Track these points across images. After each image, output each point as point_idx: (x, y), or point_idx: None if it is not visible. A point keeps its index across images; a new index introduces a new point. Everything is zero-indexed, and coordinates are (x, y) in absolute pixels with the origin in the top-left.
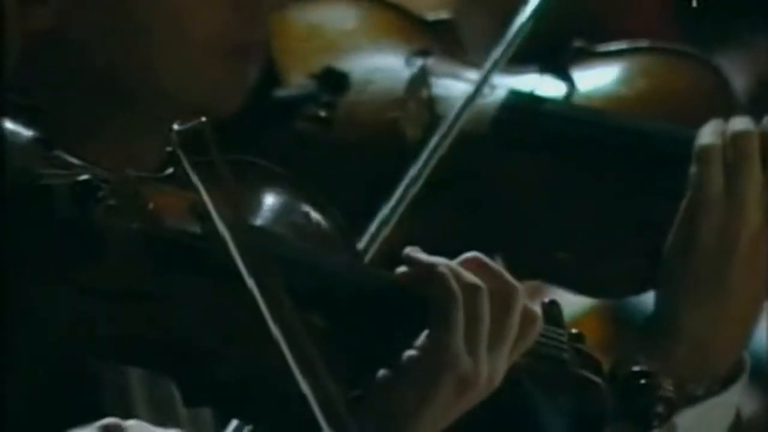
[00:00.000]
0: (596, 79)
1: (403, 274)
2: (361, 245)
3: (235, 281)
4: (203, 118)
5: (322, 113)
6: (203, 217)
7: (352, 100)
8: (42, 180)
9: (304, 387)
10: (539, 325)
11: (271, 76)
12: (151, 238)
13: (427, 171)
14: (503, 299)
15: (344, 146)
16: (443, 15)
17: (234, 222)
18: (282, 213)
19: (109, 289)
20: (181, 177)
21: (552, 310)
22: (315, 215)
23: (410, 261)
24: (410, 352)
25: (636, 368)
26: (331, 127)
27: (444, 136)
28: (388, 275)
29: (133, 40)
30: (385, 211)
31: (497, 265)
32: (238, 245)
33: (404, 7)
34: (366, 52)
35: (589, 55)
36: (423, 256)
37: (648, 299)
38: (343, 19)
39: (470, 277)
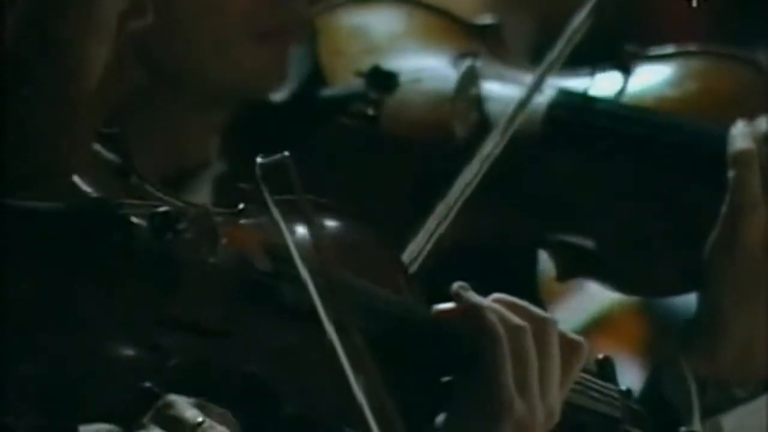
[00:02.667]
0: (645, 81)
1: (449, 310)
2: (415, 246)
3: (305, 320)
4: (286, 153)
5: (370, 111)
6: (275, 254)
7: (399, 99)
8: (122, 210)
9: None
10: (585, 351)
11: (318, 75)
12: (226, 274)
13: (482, 174)
14: (540, 334)
15: (392, 144)
16: (489, 19)
17: (312, 262)
18: (342, 242)
19: (181, 321)
20: (252, 211)
21: (605, 366)
22: (369, 238)
23: (459, 298)
24: (464, 401)
25: (683, 429)
26: (379, 126)
27: (498, 142)
28: (430, 312)
29: (173, 29)
30: (440, 211)
31: (522, 302)
32: (316, 285)
33: (450, 10)
34: (412, 53)
35: (640, 59)
36: (471, 296)
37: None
38: (389, 21)
39: (514, 318)
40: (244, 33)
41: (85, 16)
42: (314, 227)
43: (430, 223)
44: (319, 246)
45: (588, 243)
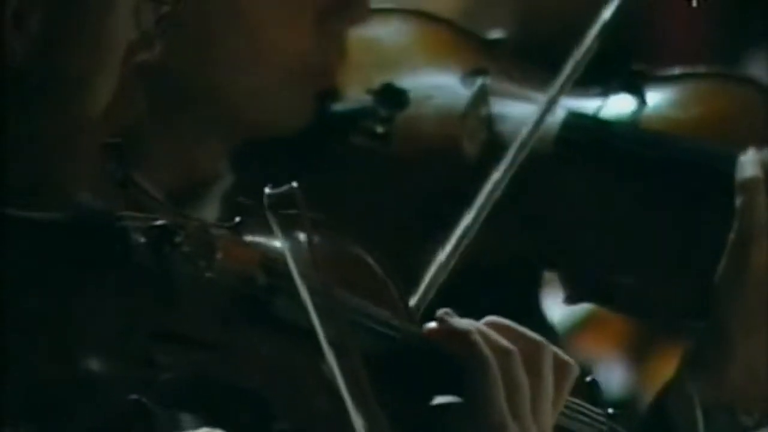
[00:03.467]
0: (653, 103)
1: (435, 330)
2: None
3: (300, 337)
4: (294, 184)
5: (380, 129)
6: (271, 269)
7: (410, 116)
8: (120, 222)
9: None
10: (575, 372)
11: (331, 90)
12: (221, 288)
13: (492, 202)
14: (533, 357)
15: (401, 161)
16: (498, 34)
17: (310, 279)
18: (340, 263)
19: (177, 335)
20: (249, 226)
21: (592, 389)
22: (367, 260)
23: (443, 323)
24: (457, 424)
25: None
26: (389, 143)
27: (509, 167)
28: (420, 332)
29: (212, 62)
30: (459, 232)
31: (516, 324)
32: (313, 303)
33: (460, 24)
34: (422, 68)
35: (647, 79)
36: (456, 321)
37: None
38: (399, 35)
39: (501, 341)
40: (281, 72)
41: (95, 44)
42: (314, 246)
43: (451, 242)
44: (317, 264)
45: (599, 265)
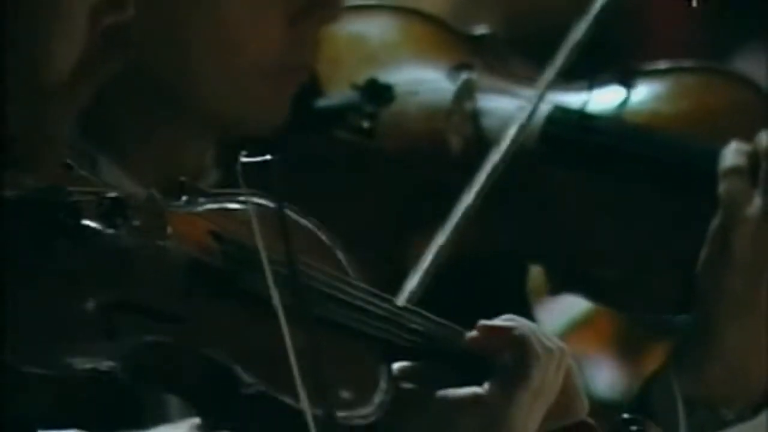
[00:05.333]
0: (640, 97)
1: (476, 337)
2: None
3: (255, 303)
4: (269, 156)
5: (365, 124)
6: (221, 237)
7: (395, 111)
8: (70, 197)
9: (306, 409)
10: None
11: (313, 85)
12: (175, 257)
13: (479, 200)
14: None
15: (386, 157)
16: (484, 29)
17: (274, 252)
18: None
19: (134, 305)
20: (196, 203)
21: None
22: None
23: (485, 328)
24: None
25: (626, 416)
26: (374, 138)
27: (499, 161)
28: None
29: (185, 58)
30: (447, 229)
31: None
32: (273, 271)
33: (445, 20)
34: (408, 64)
35: (633, 73)
36: (498, 322)
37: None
38: (384, 30)
39: (551, 340)
40: (254, 71)
41: (51, 9)
42: (283, 216)
43: (432, 248)
44: (285, 233)
45: (583, 259)
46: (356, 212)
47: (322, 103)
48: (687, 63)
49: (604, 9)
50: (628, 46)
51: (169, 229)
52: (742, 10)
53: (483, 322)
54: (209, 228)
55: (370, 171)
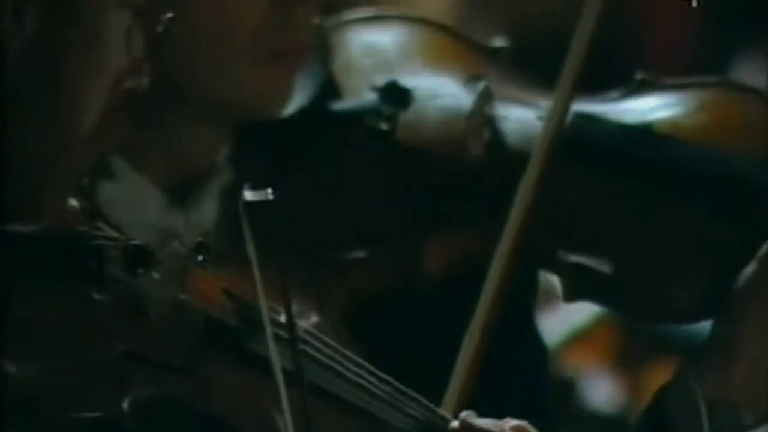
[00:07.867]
0: (657, 109)
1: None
2: None
3: (263, 367)
4: (271, 193)
5: (384, 126)
6: (236, 299)
7: (413, 115)
8: (96, 240)
9: None
10: None
11: (331, 90)
12: (190, 313)
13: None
14: None
15: (405, 159)
16: (499, 42)
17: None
18: None
19: (144, 355)
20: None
21: None
22: None
23: (469, 428)
24: None
25: None
26: (392, 141)
27: (530, 175)
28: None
29: (181, 46)
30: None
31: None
32: (274, 334)
33: (460, 31)
34: (424, 72)
35: (652, 86)
36: (479, 422)
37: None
38: (400, 40)
39: None
40: (250, 53)
41: (86, 60)
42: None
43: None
44: (287, 294)
45: (602, 266)
46: (374, 214)
47: (341, 105)
48: (706, 79)
49: (608, 15)
50: (640, 57)
51: (189, 280)
52: (743, 17)
53: (469, 419)
54: (223, 285)
55: (388, 174)
